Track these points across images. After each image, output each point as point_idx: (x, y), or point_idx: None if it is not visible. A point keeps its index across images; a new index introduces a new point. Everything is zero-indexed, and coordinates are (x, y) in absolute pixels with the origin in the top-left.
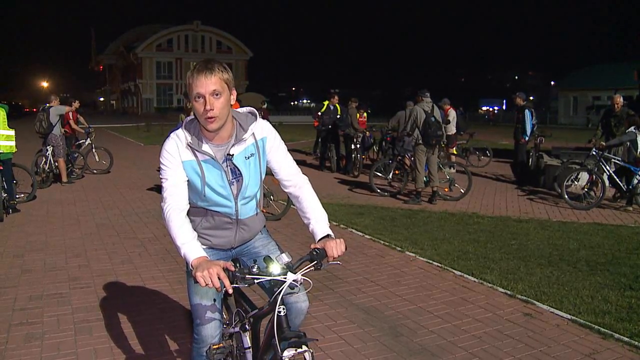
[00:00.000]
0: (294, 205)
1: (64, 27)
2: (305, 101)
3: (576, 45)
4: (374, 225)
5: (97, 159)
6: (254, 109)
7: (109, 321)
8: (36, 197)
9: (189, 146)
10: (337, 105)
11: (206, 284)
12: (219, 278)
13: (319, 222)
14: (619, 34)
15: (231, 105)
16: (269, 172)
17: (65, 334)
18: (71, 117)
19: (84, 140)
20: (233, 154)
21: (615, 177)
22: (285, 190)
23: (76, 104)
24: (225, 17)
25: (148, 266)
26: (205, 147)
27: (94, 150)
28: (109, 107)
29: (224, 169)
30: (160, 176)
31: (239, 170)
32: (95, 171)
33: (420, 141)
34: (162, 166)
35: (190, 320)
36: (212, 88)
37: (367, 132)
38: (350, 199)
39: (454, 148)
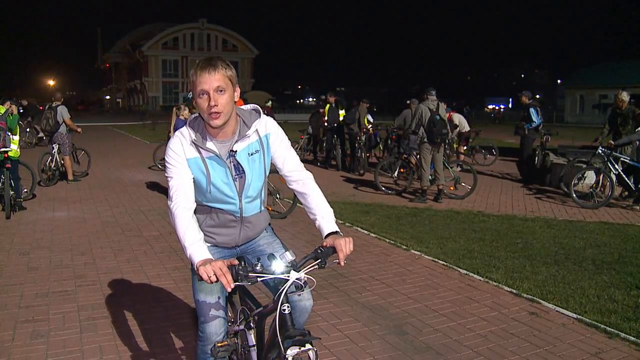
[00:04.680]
0: (300, 203)
1: (71, 26)
2: (310, 99)
3: (583, 42)
4: (379, 223)
5: None
6: (258, 106)
7: (114, 319)
8: (35, 196)
9: (193, 143)
10: (335, 102)
11: (209, 278)
12: (222, 271)
13: (325, 218)
14: (626, 31)
15: (235, 102)
16: (275, 170)
17: (70, 331)
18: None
19: None
20: (236, 150)
21: (624, 176)
22: (291, 187)
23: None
24: (231, 15)
25: (153, 264)
26: (210, 144)
27: None
28: (114, 105)
29: (227, 166)
30: (166, 175)
31: (241, 167)
32: None
33: (426, 139)
34: (167, 165)
35: (195, 318)
36: (215, 84)
37: (372, 130)
38: (355, 197)
39: (464, 147)
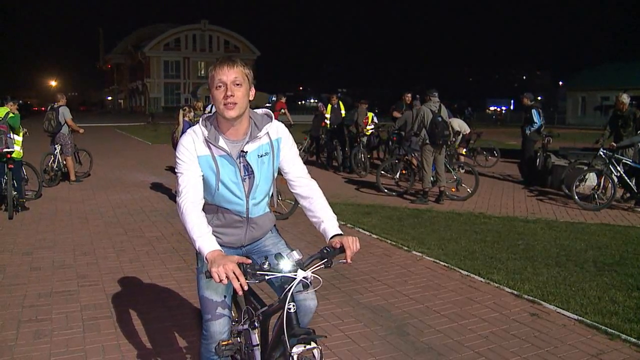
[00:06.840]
0: (301, 205)
1: (73, 27)
2: (312, 100)
3: (584, 44)
4: (381, 224)
5: None
6: (270, 111)
7: (117, 319)
8: (42, 195)
9: (206, 140)
10: (340, 103)
11: (220, 280)
12: (234, 274)
13: (330, 220)
14: (628, 32)
15: (250, 100)
16: (278, 172)
17: (73, 331)
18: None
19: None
20: (247, 151)
21: (625, 177)
22: (294, 191)
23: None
24: (232, 16)
25: (156, 264)
26: (222, 142)
27: None
28: (116, 106)
29: (237, 165)
30: (177, 170)
31: (251, 167)
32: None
33: (427, 141)
34: (178, 161)
35: (198, 318)
36: (233, 76)
37: (373, 131)
38: (357, 198)
39: (464, 150)
